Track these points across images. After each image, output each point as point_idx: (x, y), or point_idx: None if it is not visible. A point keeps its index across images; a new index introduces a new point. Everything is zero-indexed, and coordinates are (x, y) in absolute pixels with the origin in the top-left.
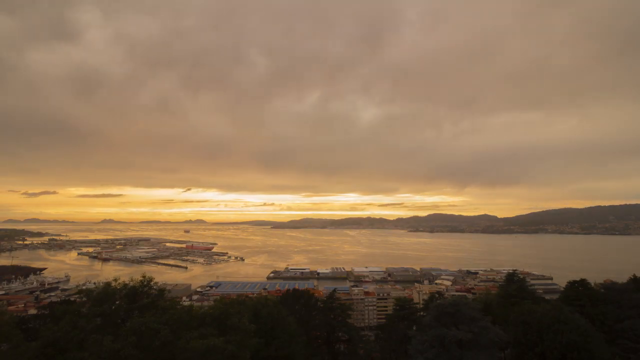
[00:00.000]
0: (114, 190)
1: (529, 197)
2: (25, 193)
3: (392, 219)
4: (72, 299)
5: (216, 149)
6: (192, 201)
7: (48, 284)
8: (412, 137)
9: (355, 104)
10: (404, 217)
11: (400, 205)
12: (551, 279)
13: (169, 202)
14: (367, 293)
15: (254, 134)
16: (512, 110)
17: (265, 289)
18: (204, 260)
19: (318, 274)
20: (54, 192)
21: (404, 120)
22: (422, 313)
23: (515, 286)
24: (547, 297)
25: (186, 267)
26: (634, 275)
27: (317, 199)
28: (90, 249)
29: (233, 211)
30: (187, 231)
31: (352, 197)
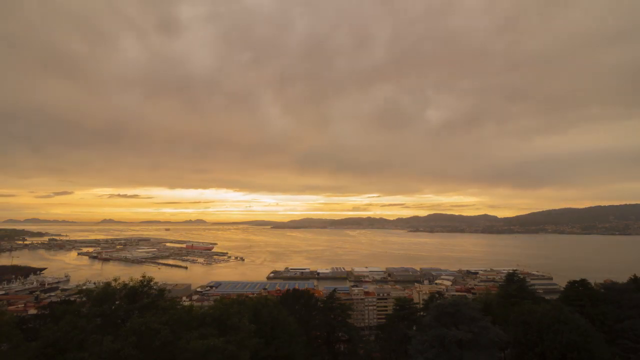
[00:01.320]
0: (138, 190)
1: (562, 197)
2: (42, 194)
3: (392, 219)
4: (72, 299)
5: (264, 149)
6: (198, 202)
7: (48, 284)
8: (472, 136)
9: (431, 100)
10: (404, 217)
11: (401, 205)
12: (551, 279)
13: (174, 202)
14: (367, 293)
15: (311, 133)
16: (593, 109)
17: (265, 289)
18: (204, 260)
19: (318, 274)
20: (71, 192)
21: (473, 118)
22: (422, 313)
23: (515, 286)
24: (547, 297)
25: (186, 267)
26: (634, 275)
27: (336, 199)
28: (90, 249)
29: (237, 212)
30: (167, 229)
31: (367, 198)
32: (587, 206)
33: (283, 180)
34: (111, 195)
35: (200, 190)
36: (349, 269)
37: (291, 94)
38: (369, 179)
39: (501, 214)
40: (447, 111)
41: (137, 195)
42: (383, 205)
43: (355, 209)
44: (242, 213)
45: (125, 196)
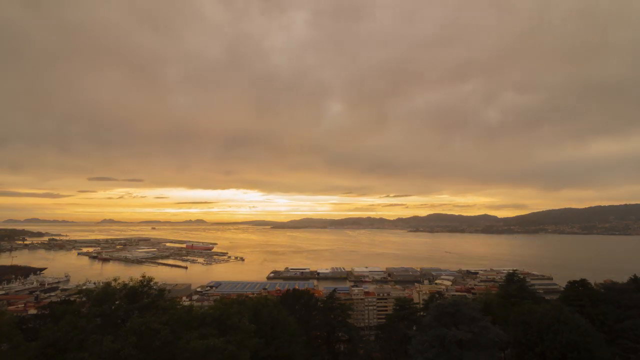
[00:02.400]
0: (159, 191)
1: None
2: (65, 194)
3: (392, 219)
4: (72, 299)
5: (304, 149)
6: (202, 202)
7: (48, 284)
8: (525, 137)
9: (499, 99)
10: (404, 217)
11: (402, 205)
12: (551, 279)
13: (183, 203)
14: (367, 293)
15: (360, 133)
16: None
17: (265, 289)
18: (204, 260)
19: (318, 274)
20: (88, 191)
21: (534, 118)
22: (422, 313)
23: (515, 286)
24: (547, 297)
25: (186, 267)
26: (634, 275)
27: (349, 199)
28: (90, 249)
29: (240, 212)
30: (153, 228)
31: (380, 199)
32: (587, 206)
33: (306, 180)
34: (121, 196)
35: (218, 191)
36: (349, 269)
37: (365, 90)
38: (393, 180)
39: (501, 214)
40: (508, 112)
41: (145, 196)
42: (386, 206)
43: (357, 209)
44: (245, 213)
45: (136, 197)
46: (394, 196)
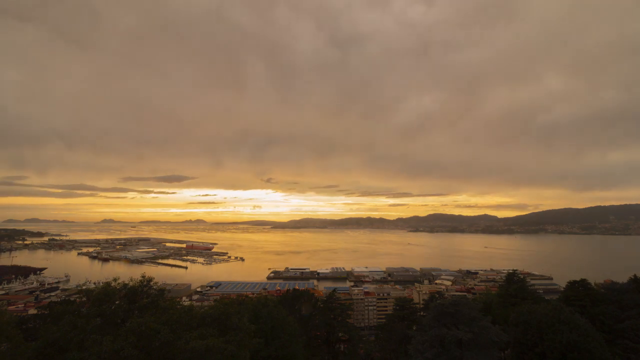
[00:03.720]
0: (177, 190)
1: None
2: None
3: (392, 219)
4: (72, 299)
5: (354, 149)
6: (205, 203)
7: (48, 284)
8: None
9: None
10: (404, 217)
11: (402, 206)
12: (551, 279)
13: (189, 203)
14: (367, 293)
15: (426, 134)
16: None
17: (265, 289)
18: (204, 260)
19: (318, 274)
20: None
21: (609, 116)
22: (422, 313)
23: (515, 286)
24: (547, 297)
25: (186, 267)
26: (634, 275)
27: (360, 199)
28: (90, 249)
29: (243, 212)
30: (134, 227)
31: (392, 199)
32: (587, 206)
33: (333, 180)
34: (133, 197)
35: (239, 191)
36: (349, 269)
37: (452, 90)
38: (419, 182)
39: (502, 214)
40: (586, 113)
41: (157, 197)
42: (391, 205)
43: (359, 209)
44: (247, 214)
45: (146, 198)
46: (417, 195)
